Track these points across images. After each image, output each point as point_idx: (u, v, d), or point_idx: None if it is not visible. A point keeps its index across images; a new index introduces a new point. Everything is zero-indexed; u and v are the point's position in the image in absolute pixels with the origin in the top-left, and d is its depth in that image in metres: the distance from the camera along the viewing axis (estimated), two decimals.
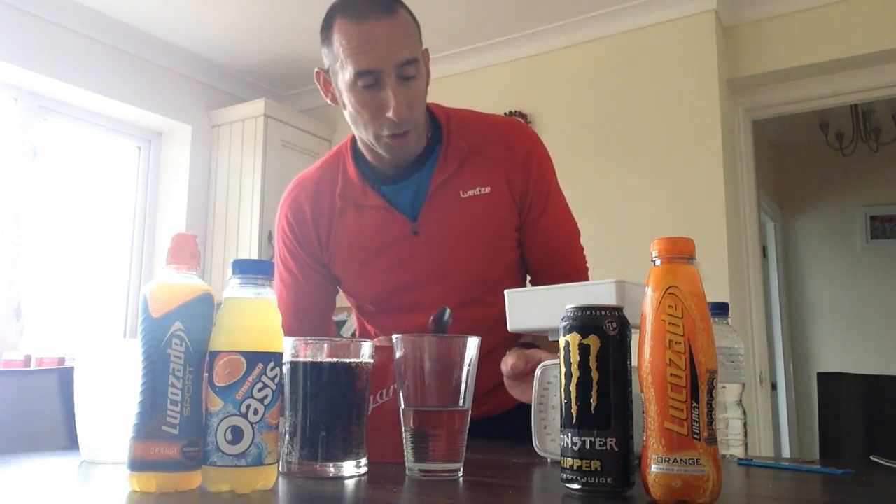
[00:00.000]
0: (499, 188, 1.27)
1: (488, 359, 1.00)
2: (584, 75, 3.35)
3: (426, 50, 1.26)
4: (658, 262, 0.69)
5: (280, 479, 0.76)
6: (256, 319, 0.73)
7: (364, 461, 0.80)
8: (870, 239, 4.85)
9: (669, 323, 0.65)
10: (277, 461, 0.73)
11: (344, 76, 1.17)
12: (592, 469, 0.67)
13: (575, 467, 0.68)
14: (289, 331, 1.42)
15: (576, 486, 0.68)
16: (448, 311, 1.09)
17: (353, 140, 1.32)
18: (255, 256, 3.52)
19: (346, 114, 1.23)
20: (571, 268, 1.35)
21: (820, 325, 4.91)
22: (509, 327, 1.02)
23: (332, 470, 0.77)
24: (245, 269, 0.74)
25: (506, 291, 1.01)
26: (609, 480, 0.67)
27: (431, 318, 1.07)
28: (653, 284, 0.68)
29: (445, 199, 1.26)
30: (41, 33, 3.14)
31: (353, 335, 1.48)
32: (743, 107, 3.29)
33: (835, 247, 4.94)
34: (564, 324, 0.71)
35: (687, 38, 3.12)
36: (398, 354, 0.81)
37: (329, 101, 1.27)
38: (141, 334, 0.70)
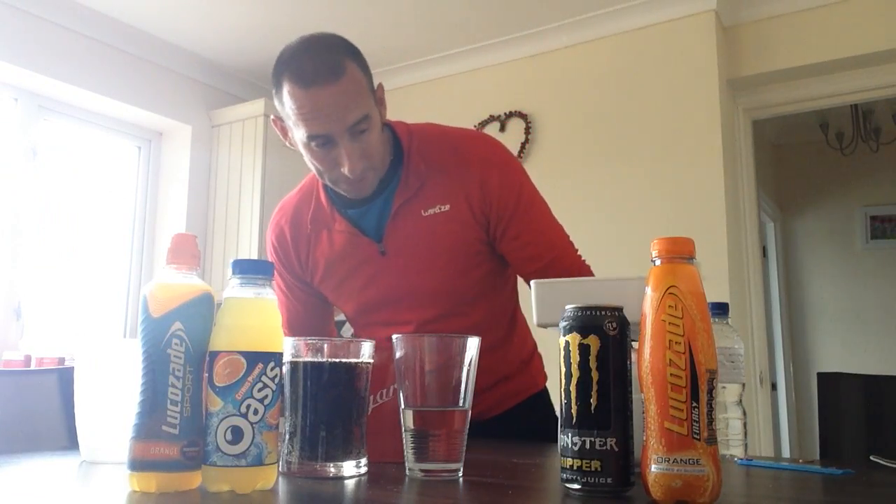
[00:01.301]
0: (458, 205, 1.27)
1: None
2: (584, 75, 3.35)
3: (380, 85, 1.26)
4: (658, 262, 0.69)
5: (280, 479, 0.76)
6: (256, 319, 0.73)
7: (364, 461, 0.80)
8: (870, 239, 4.84)
9: (669, 323, 0.65)
10: (277, 461, 0.73)
11: (298, 134, 1.20)
12: (592, 469, 0.67)
13: (575, 467, 0.68)
14: None
15: (576, 486, 0.68)
16: None
17: None
18: (255, 256, 3.52)
19: (306, 160, 1.25)
20: (571, 267, 1.30)
21: (820, 325, 4.91)
22: (536, 321, 0.99)
23: (332, 470, 0.77)
24: (245, 269, 0.74)
25: (533, 282, 0.97)
26: (609, 480, 0.67)
27: None
28: (653, 284, 0.68)
29: (408, 218, 1.28)
30: (41, 33, 3.14)
31: (354, 335, 1.50)
32: (743, 107, 3.29)
33: (835, 247, 4.94)
34: (564, 324, 0.71)
35: (687, 38, 3.12)
36: (398, 354, 0.81)
37: (289, 146, 1.28)
38: (141, 334, 0.70)
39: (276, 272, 1.39)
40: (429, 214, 1.28)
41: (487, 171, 1.28)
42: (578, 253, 1.34)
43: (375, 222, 1.31)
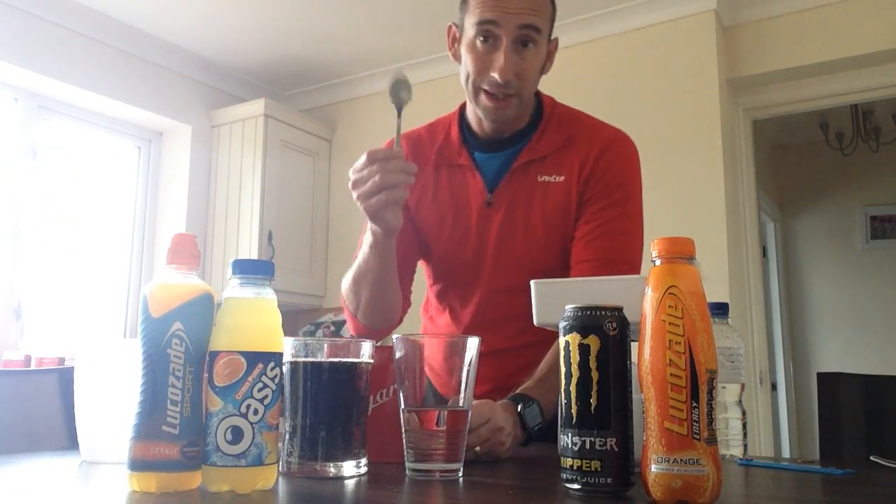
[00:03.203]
0: (570, 177, 1.31)
1: (513, 352, 0.96)
2: (584, 75, 3.35)
3: (555, 39, 1.36)
4: (658, 262, 0.69)
5: (280, 479, 0.76)
6: (256, 319, 0.73)
7: (364, 461, 0.80)
8: (870, 239, 4.84)
9: (669, 323, 0.65)
10: (277, 461, 0.73)
11: (467, 32, 1.26)
12: (592, 469, 0.67)
13: (575, 467, 0.68)
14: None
15: (576, 486, 0.68)
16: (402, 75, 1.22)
17: (463, 106, 1.41)
18: (255, 256, 3.52)
19: (461, 71, 1.30)
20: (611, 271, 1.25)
21: (820, 325, 4.90)
22: (536, 321, 0.98)
23: (332, 470, 0.77)
24: (245, 269, 0.74)
25: (533, 282, 0.96)
26: (609, 480, 0.67)
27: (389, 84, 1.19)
28: (653, 284, 0.68)
29: (524, 178, 1.32)
30: (41, 33, 3.14)
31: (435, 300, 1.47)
32: (743, 107, 3.29)
33: (835, 247, 4.94)
34: (564, 324, 0.71)
35: (687, 38, 3.12)
36: (398, 354, 0.81)
37: (451, 57, 1.34)
38: (141, 334, 0.70)
39: None
40: (543, 181, 1.32)
41: (605, 152, 1.33)
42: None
43: (495, 172, 1.34)
